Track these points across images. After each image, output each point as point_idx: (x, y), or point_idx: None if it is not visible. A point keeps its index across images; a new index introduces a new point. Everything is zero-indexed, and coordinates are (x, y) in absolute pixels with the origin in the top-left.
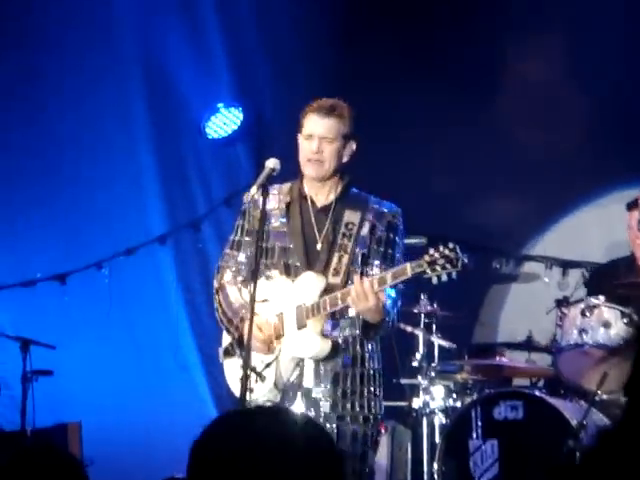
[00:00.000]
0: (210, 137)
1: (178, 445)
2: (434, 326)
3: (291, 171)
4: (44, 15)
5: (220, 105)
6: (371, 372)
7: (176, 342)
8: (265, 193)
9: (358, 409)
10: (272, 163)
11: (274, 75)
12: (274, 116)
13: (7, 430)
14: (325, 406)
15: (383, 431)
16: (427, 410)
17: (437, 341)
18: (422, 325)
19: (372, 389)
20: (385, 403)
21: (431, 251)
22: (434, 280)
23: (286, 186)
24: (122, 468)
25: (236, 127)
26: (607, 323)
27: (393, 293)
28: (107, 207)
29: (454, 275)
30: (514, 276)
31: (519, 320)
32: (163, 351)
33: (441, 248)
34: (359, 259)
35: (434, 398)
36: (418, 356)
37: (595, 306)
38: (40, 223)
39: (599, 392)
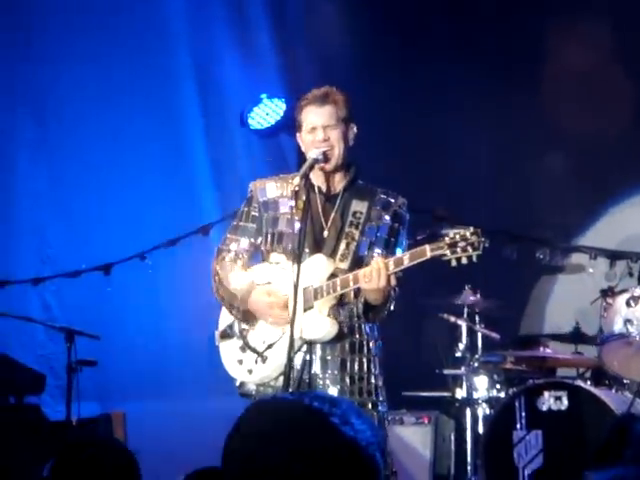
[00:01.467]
0: (253, 128)
1: (223, 434)
2: (477, 317)
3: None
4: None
5: (263, 96)
6: (376, 359)
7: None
8: (308, 183)
9: (366, 395)
10: (314, 153)
11: (317, 66)
12: None
13: (53, 420)
14: (333, 392)
15: (426, 421)
16: (470, 400)
17: (480, 331)
18: (465, 315)
19: (377, 375)
20: (428, 393)
21: (451, 233)
22: (453, 263)
23: (294, 175)
24: (167, 458)
25: (279, 118)
26: None
27: (394, 281)
28: (157, 198)
29: (475, 258)
30: (559, 267)
31: (565, 311)
32: (209, 341)
33: (462, 231)
34: (366, 246)
35: (477, 389)
36: (461, 346)
37: None
38: (98, 211)
39: None
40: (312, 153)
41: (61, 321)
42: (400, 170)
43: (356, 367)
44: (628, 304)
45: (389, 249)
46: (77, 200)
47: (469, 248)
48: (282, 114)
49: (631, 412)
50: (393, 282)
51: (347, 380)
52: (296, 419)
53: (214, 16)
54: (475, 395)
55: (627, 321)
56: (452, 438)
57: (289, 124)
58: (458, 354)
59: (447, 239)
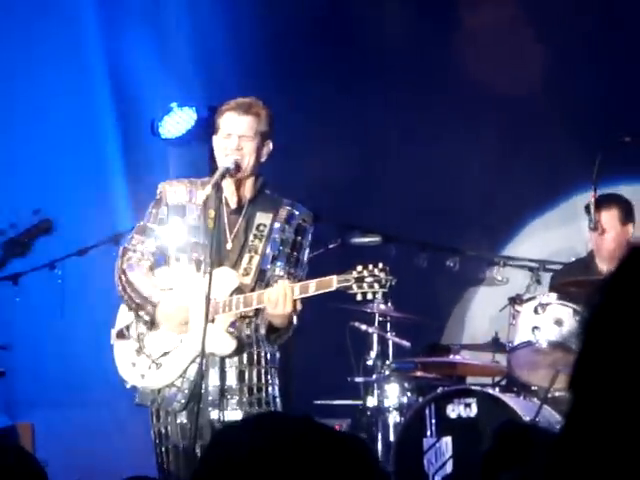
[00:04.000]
0: (164, 136)
1: (135, 445)
2: (388, 325)
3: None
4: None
5: (174, 104)
6: (272, 369)
7: None
8: (219, 191)
9: (265, 405)
10: (227, 162)
11: (232, 74)
12: None
13: None
14: (232, 403)
15: (337, 429)
16: (381, 408)
17: (391, 339)
18: (376, 324)
19: (274, 385)
20: (340, 402)
21: (359, 267)
22: (358, 297)
23: (205, 181)
24: (77, 469)
25: (189, 127)
26: (559, 320)
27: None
28: (69, 208)
29: (379, 295)
30: (469, 275)
31: (480, 320)
32: None
33: (371, 267)
34: (269, 260)
35: (388, 396)
36: (372, 354)
37: (547, 304)
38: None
39: (551, 389)
40: (225, 162)
41: None
42: (308, 173)
43: (254, 378)
44: (536, 311)
45: (291, 264)
46: None
47: (375, 285)
48: (193, 123)
49: (538, 419)
50: (299, 307)
51: (245, 391)
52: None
53: (129, 23)
54: (386, 403)
55: (535, 328)
56: None
57: (200, 133)
58: (369, 362)
59: (355, 273)
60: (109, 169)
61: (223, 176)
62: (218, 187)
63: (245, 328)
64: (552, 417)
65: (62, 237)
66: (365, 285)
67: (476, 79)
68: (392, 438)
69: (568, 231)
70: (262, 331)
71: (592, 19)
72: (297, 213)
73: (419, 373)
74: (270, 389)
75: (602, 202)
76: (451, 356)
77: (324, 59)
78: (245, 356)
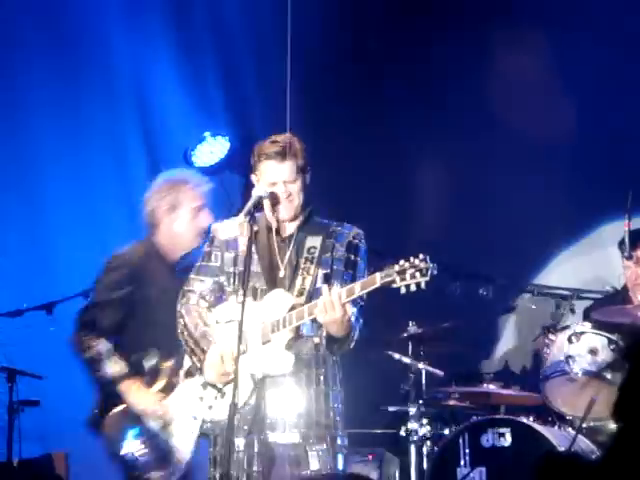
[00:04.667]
0: (197, 165)
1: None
2: (422, 353)
3: None
4: (31, 40)
5: (207, 134)
6: (334, 393)
7: None
8: (252, 221)
9: (324, 429)
10: (260, 191)
11: (263, 104)
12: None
13: None
14: (290, 426)
15: (371, 458)
16: (415, 437)
17: (425, 368)
18: (410, 352)
19: (334, 408)
20: (373, 430)
21: (401, 261)
22: (402, 290)
23: (256, 215)
24: None
25: (223, 156)
26: (594, 350)
27: (355, 311)
28: (100, 236)
29: (423, 285)
30: (504, 304)
31: (514, 350)
32: None
33: (411, 258)
34: (322, 279)
35: (422, 425)
36: (406, 383)
37: (582, 333)
38: (41, 248)
39: (586, 419)
40: (257, 191)
41: (2, 361)
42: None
43: (313, 400)
44: (570, 340)
45: (346, 280)
46: (18, 237)
47: (417, 274)
48: (226, 152)
49: (572, 449)
50: (349, 311)
51: (304, 413)
52: None
53: (159, 52)
54: (420, 432)
55: (569, 357)
56: (397, 475)
57: (233, 162)
58: (403, 391)
59: (397, 267)
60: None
61: (256, 205)
62: (252, 215)
63: (304, 348)
64: (587, 447)
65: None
66: (408, 276)
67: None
68: (425, 467)
69: (597, 260)
70: (321, 350)
71: (613, 51)
72: (346, 232)
73: (452, 402)
74: (331, 412)
75: (638, 235)
76: (484, 385)
77: (352, 90)
78: (304, 377)
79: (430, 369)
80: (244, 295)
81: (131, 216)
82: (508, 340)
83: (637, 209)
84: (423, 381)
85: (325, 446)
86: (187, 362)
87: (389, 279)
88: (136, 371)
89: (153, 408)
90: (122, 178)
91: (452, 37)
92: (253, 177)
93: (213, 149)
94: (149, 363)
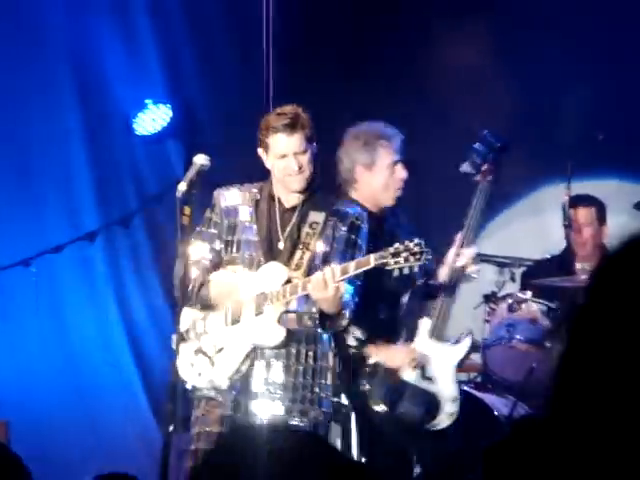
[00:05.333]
0: (139, 134)
1: (110, 442)
2: None
3: (223, 167)
4: None
5: (148, 101)
6: (322, 370)
7: (107, 340)
8: (192, 188)
9: (308, 404)
10: (201, 159)
11: (204, 72)
12: (203, 113)
13: None
14: (275, 397)
15: None
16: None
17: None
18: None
19: (323, 385)
20: None
21: (396, 244)
22: (395, 272)
23: (256, 185)
24: (52, 467)
25: (165, 124)
26: (534, 318)
27: (351, 289)
28: (37, 204)
29: (416, 268)
30: None
31: (454, 318)
32: (94, 349)
33: (406, 242)
34: (321, 256)
35: None
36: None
37: (522, 301)
38: None
39: (526, 386)
40: (198, 158)
41: None
42: None
43: (300, 376)
44: (510, 309)
45: (346, 260)
46: None
47: (411, 258)
48: (169, 120)
49: (513, 415)
50: (343, 289)
51: (290, 387)
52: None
53: (97, 22)
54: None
55: (509, 325)
56: (338, 443)
57: (175, 129)
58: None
59: (391, 249)
60: (77, 167)
61: (198, 173)
62: (193, 184)
63: (295, 322)
64: (526, 414)
65: (32, 236)
66: (401, 259)
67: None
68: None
69: (535, 225)
70: (313, 326)
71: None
72: (350, 212)
73: None
74: (317, 389)
75: (579, 200)
76: None
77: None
78: (294, 352)
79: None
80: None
81: (68, 189)
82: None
83: (578, 176)
84: None
85: (306, 422)
86: (181, 327)
87: (383, 260)
88: None
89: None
90: (59, 148)
91: None
92: (260, 151)
93: (155, 117)
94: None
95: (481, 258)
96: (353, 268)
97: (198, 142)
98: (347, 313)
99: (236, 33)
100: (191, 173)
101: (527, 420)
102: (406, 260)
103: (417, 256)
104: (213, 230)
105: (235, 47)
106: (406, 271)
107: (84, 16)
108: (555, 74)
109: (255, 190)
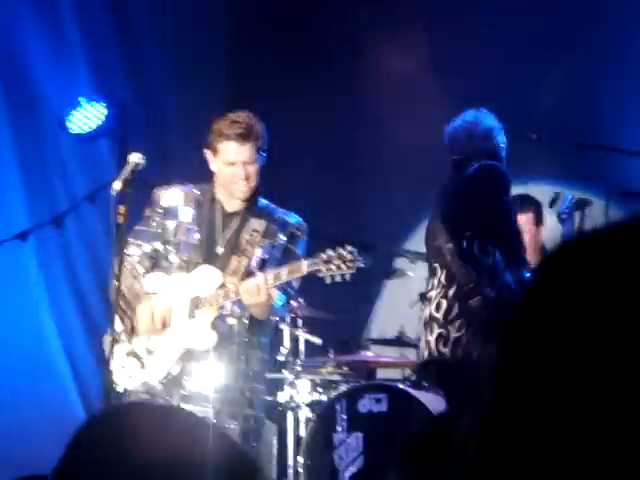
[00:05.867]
0: (72, 132)
1: (42, 444)
2: (300, 321)
3: (155, 166)
4: None
5: (82, 99)
6: (254, 371)
7: (40, 341)
8: (127, 187)
9: (237, 407)
10: (135, 158)
11: (137, 71)
12: (137, 112)
13: None
14: (207, 399)
15: None
16: (293, 404)
17: (303, 335)
18: (288, 320)
19: (253, 389)
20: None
21: (329, 251)
22: (327, 280)
23: (198, 186)
24: None
25: (100, 122)
26: None
27: (283, 298)
28: None
29: (348, 277)
30: (384, 272)
31: (390, 315)
32: (27, 350)
33: (340, 249)
34: (258, 263)
35: (300, 392)
36: (284, 351)
37: None
38: None
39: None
40: (133, 157)
41: None
42: None
43: (232, 378)
44: None
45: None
46: None
47: (343, 266)
48: (103, 118)
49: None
50: (274, 296)
51: (220, 389)
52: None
53: (26, 20)
54: (297, 399)
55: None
56: (274, 442)
57: (109, 128)
58: (281, 358)
59: (324, 256)
60: (6, 167)
61: (132, 172)
62: (126, 183)
63: (229, 327)
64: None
65: None
66: (334, 267)
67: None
68: (303, 433)
69: None
70: (244, 330)
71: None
72: (291, 222)
73: (330, 369)
74: (248, 392)
75: (517, 205)
76: (362, 352)
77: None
78: (226, 354)
79: (308, 337)
80: (119, 271)
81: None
82: (387, 306)
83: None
84: (301, 348)
85: (236, 425)
86: (116, 328)
87: (315, 267)
88: None
89: None
90: None
91: None
92: (207, 152)
93: (89, 115)
94: None
95: (417, 257)
96: (286, 274)
97: (132, 141)
98: (278, 319)
99: (169, 34)
100: (126, 172)
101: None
102: (338, 268)
103: (349, 264)
104: (152, 229)
105: (169, 47)
106: (338, 279)
107: (9, 12)
108: (489, 81)
109: (197, 191)
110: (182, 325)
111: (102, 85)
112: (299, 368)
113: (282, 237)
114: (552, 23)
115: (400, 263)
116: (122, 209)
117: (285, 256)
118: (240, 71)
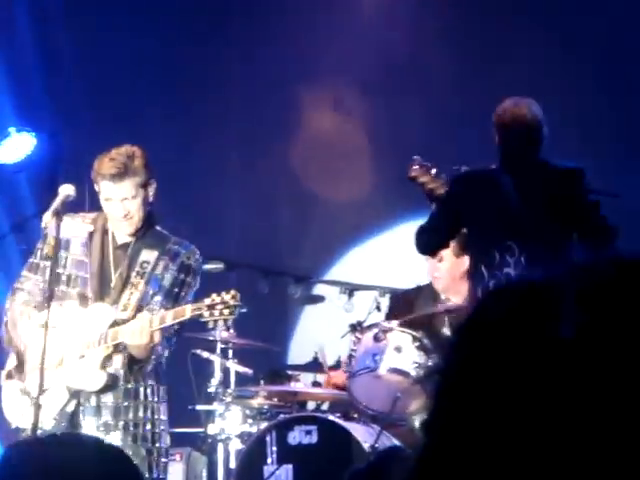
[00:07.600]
0: (1, 162)
1: None
2: (231, 352)
3: (83, 196)
4: None
5: (12, 129)
6: (154, 404)
7: None
8: (59, 219)
9: (141, 441)
10: (67, 189)
11: (54, 98)
12: (65, 143)
13: None
14: (110, 440)
15: (178, 458)
16: (223, 436)
17: (233, 367)
18: (218, 351)
19: (154, 422)
20: (180, 430)
21: (213, 295)
22: (210, 324)
23: (91, 215)
24: None
25: (28, 152)
26: (399, 347)
27: (164, 340)
28: None
29: (230, 322)
30: (309, 300)
31: (314, 344)
32: None
33: (223, 294)
34: (149, 297)
35: (230, 424)
36: (214, 382)
37: (388, 330)
38: None
39: (390, 415)
40: (64, 189)
41: None
42: None
43: (130, 414)
44: (376, 338)
45: (172, 300)
46: None
47: (226, 311)
48: (32, 148)
49: (377, 445)
50: (157, 339)
51: (121, 426)
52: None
53: None
54: (228, 430)
55: (374, 355)
56: (204, 474)
57: (39, 158)
58: (211, 389)
59: (207, 300)
60: None
61: (63, 203)
62: (58, 215)
63: (121, 364)
64: (390, 443)
65: None
66: (216, 312)
67: None
68: (233, 465)
69: (402, 254)
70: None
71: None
72: (183, 252)
73: (260, 400)
74: (149, 426)
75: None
76: (292, 383)
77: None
78: (122, 392)
79: (239, 367)
80: (48, 305)
81: None
82: (317, 335)
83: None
84: (232, 379)
85: (139, 459)
86: (10, 363)
87: (198, 312)
88: None
89: None
90: None
91: None
92: (96, 187)
93: (18, 145)
94: None
95: (347, 287)
96: (170, 318)
97: (60, 172)
98: (155, 360)
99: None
100: (56, 203)
101: (391, 450)
102: (220, 313)
103: (231, 309)
104: (44, 262)
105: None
106: (220, 323)
107: None
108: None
109: (88, 221)
110: (72, 365)
111: (32, 116)
112: (229, 399)
113: (173, 267)
114: None
115: (323, 292)
116: (52, 240)
117: (175, 286)
118: None
